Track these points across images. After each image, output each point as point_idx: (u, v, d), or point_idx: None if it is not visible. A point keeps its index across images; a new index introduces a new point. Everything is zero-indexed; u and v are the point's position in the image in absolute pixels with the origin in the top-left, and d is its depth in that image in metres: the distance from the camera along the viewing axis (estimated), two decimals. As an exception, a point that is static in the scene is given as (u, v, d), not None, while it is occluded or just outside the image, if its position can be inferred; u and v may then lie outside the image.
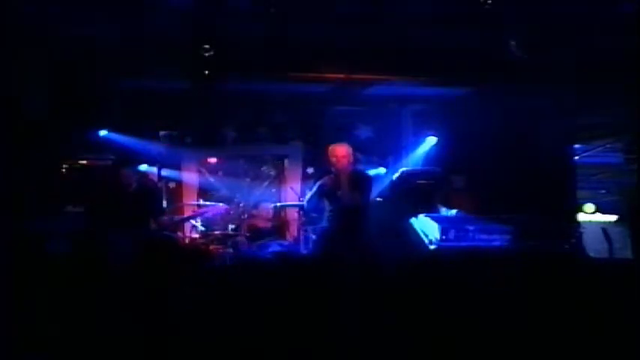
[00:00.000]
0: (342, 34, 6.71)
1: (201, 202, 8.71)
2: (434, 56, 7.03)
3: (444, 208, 7.33)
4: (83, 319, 3.90)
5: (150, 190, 6.91)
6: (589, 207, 7.97)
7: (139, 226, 6.37)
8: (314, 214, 7.72)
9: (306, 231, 7.89)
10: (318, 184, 6.07)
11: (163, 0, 6.32)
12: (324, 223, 6.14)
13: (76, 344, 3.74)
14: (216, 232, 8.11)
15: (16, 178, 6.75)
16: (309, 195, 6.26)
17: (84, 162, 8.06)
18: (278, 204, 8.81)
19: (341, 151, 5.97)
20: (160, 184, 8.46)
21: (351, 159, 6.05)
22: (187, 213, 8.42)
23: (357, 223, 5.96)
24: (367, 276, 4.99)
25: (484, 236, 6.39)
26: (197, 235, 8.19)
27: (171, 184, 9.28)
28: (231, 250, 7.80)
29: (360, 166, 7.43)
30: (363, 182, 6.06)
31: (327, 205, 6.05)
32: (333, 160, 5.94)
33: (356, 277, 5.02)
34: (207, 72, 6.84)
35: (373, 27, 6.61)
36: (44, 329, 3.89)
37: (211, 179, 9.65)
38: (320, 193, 6.03)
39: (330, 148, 6.05)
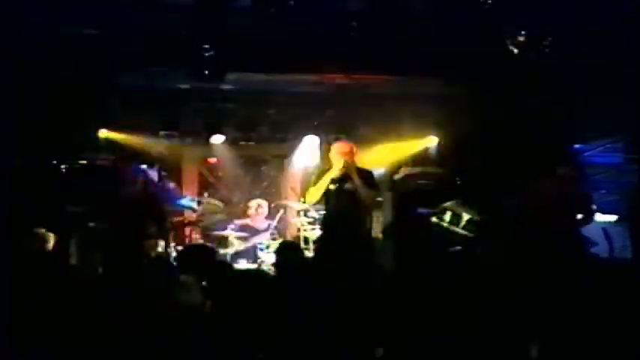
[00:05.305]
0: (342, 34, 6.70)
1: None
2: (434, 56, 7.02)
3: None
4: (83, 320, 3.91)
5: (154, 189, 6.89)
6: (589, 207, 7.94)
7: (143, 226, 6.37)
8: (314, 214, 7.71)
9: (305, 230, 7.89)
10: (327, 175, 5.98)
11: (163, -1, 6.31)
12: (326, 223, 6.13)
13: (75, 345, 3.74)
14: (216, 232, 8.13)
15: (16, 178, 6.75)
16: (312, 188, 6.13)
17: (84, 162, 8.06)
18: (278, 203, 8.80)
19: (346, 148, 5.95)
20: (159, 184, 8.45)
21: (355, 156, 6.03)
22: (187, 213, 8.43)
23: (360, 222, 5.95)
24: (369, 275, 4.99)
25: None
26: (197, 236, 8.22)
27: (171, 184, 9.27)
28: (230, 250, 7.81)
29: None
30: (369, 180, 6.03)
31: (329, 204, 6.00)
32: (339, 157, 5.89)
33: (359, 276, 5.03)
34: (207, 72, 6.83)
35: (373, 27, 6.60)
36: (44, 330, 3.90)
37: (211, 179, 9.65)
38: (327, 185, 5.92)
39: (334, 145, 6.05)
